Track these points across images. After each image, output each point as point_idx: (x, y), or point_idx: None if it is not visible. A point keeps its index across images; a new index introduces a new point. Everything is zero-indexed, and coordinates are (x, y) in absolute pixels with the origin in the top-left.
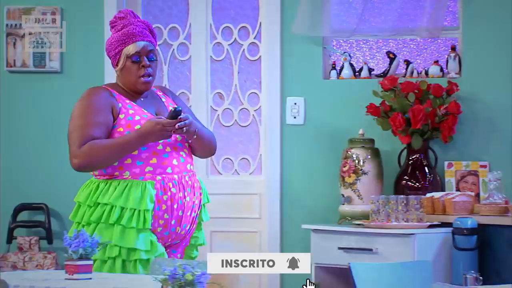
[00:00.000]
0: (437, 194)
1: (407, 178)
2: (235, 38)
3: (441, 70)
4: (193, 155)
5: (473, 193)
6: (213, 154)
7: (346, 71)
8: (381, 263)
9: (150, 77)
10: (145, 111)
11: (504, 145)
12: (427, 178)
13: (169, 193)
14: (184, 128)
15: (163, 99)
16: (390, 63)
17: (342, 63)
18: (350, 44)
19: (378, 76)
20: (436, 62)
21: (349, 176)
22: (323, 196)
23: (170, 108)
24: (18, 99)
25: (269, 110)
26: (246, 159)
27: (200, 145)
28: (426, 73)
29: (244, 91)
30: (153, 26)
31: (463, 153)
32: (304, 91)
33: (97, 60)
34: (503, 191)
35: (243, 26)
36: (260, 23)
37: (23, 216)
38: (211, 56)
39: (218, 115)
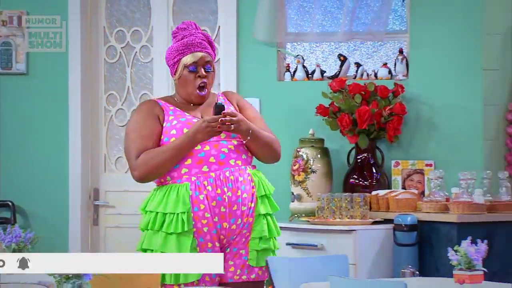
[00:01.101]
0: (381, 192)
1: (355, 176)
2: None
3: (390, 72)
4: (254, 157)
5: (416, 191)
6: (276, 160)
7: (300, 73)
8: (298, 257)
9: (205, 90)
10: (187, 114)
11: (449, 144)
12: (374, 177)
13: (205, 192)
14: (232, 125)
15: (217, 102)
16: (341, 66)
17: (295, 65)
18: (303, 47)
19: (329, 78)
20: (385, 64)
21: (299, 175)
22: (275, 194)
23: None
24: None
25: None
26: None
27: (257, 147)
28: (376, 75)
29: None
30: (116, 30)
31: (410, 152)
32: (259, 92)
33: (61, 61)
34: (445, 189)
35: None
36: (219, 26)
37: None
38: None
39: None
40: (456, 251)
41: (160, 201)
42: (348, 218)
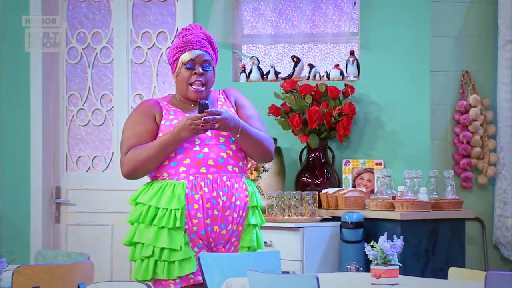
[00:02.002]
0: (331, 190)
1: (307, 175)
2: (154, 43)
3: (342, 73)
4: (249, 159)
5: (365, 189)
6: (270, 159)
7: (255, 74)
8: (230, 253)
9: (202, 87)
10: (187, 115)
11: (398, 144)
12: (325, 175)
13: (200, 192)
14: (216, 123)
15: (220, 103)
16: (294, 67)
17: (250, 66)
18: (259, 49)
19: (283, 79)
20: (337, 66)
21: (252, 173)
22: None
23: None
24: None
25: None
26: None
27: (247, 144)
28: (328, 76)
29: (162, 92)
30: (78, 31)
31: (361, 151)
32: None
33: (23, 62)
34: (392, 187)
35: (161, 31)
36: (177, 28)
37: None
38: (131, 60)
39: None
40: (372, 246)
41: (153, 195)
42: (297, 215)
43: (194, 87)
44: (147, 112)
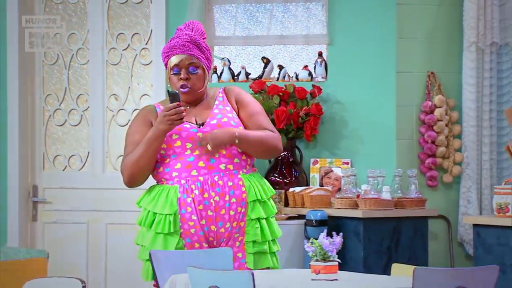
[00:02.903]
0: (297, 189)
1: (276, 174)
2: (129, 44)
3: (310, 74)
4: (247, 156)
5: (330, 188)
6: (277, 154)
7: (226, 75)
8: (183, 250)
9: (188, 88)
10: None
11: (365, 143)
12: (293, 174)
13: (192, 195)
14: (208, 145)
15: (216, 102)
16: (264, 68)
17: (222, 67)
18: (230, 50)
19: (254, 79)
20: (306, 67)
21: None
22: None
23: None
24: None
25: None
26: None
27: (249, 149)
28: (297, 77)
29: (137, 93)
30: (54, 33)
31: (329, 151)
32: None
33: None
34: (357, 186)
35: (136, 33)
36: (151, 30)
37: None
38: (107, 61)
39: (114, 115)
40: (312, 243)
41: (152, 200)
42: None
43: (181, 89)
44: (144, 120)
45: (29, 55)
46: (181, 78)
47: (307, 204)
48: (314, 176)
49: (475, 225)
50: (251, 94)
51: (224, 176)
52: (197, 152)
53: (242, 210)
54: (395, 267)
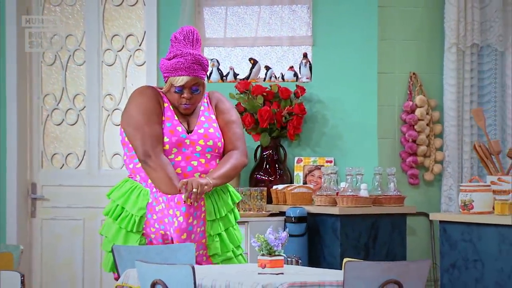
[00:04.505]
0: (280, 187)
1: (261, 172)
2: (123, 46)
3: (296, 75)
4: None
5: (312, 186)
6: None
7: (215, 76)
8: (144, 246)
9: (190, 106)
10: (175, 119)
11: (347, 142)
12: (278, 172)
13: (159, 207)
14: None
15: (202, 108)
16: (251, 69)
17: (211, 68)
18: (219, 51)
19: (241, 80)
20: (291, 67)
21: None
22: None
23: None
24: None
25: None
26: None
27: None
28: (283, 77)
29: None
30: (52, 35)
31: (313, 149)
32: None
33: None
34: (338, 184)
35: (130, 35)
36: (145, 32)
37: None
38: (102, 62)
39: (109, 115)
40: (257, 238)
41: (122, 194)
42: (245, 210)
43: (182, 106)
44: (156, 101)
45: (28, 56)
46: (184, 97)
47: (289, 201)
48: (298, 174)
49: (441, 222)
50: (236, 94)
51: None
52: (179, 158)
53: (202, 229)
54: (346, 261)
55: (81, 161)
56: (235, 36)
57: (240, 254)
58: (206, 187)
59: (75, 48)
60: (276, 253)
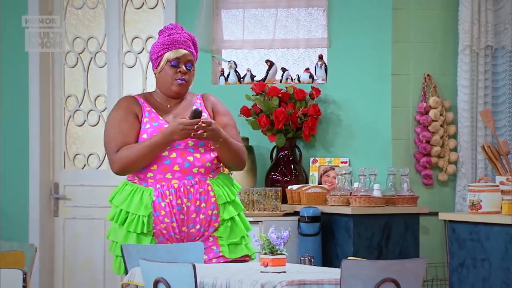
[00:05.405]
0: (295, 187)
1: (276, 172)
2: (144, 48)
3: (311, 76)
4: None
5: (326, 186)
6: (241, 168)
7: (232, 78)
8: (151, 244)
9: (184, 81)
10: (161, 118)
11: (362, 143)
12: (293, 173)
13: (167, 200)
14: (205, 132)
15: (194, 107)
16: (268, 70)
17: (228, 70)
18: (237, 53)
19: (258, 81)
20: (307, 69)
21: (223, 171)
22: None
23: (192, 108)
24: None
25: None
26: None
27: (225, 155)
28: (299, 79)
29: None
30: (75, 37)
31: (328, 150)
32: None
33: (22, 65)
34: (352, 184)
35: (150, 37)
36: None
37: None
38: (123, 64)
39: None
40: (260, 237)
41: (125, 199)
42: (260, 210)
43: (177, 82)
44: (129, 109)
45: (50, 58)
46: (179, 71)
47: (303, 201)
48: (313, 174)
49: (450, 221)
50: (252, 95)
51: (196, 184)
52: (173, 155)
53: (214, 212)
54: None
55: (102, 162)
56: (252, 38)
57: (248, 243)
58: (214, 126)
59: (96, 51)
60: (278, 252)
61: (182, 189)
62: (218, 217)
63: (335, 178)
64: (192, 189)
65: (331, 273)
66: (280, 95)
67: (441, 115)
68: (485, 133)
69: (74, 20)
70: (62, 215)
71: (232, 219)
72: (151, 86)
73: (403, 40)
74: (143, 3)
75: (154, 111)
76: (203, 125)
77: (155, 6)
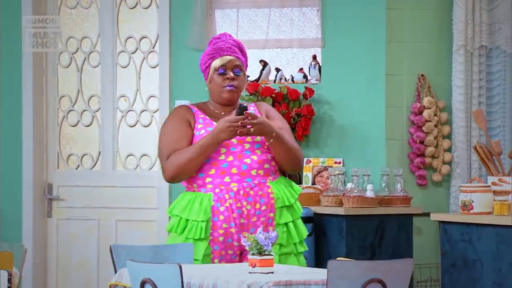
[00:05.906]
0: None
1: None
2: (137, 48)
3: (305, 76)
4: (278, 166)
5: (320, 186)
6: (298, 169)
7: None
8: (141, 245)
9: (234, 87)
10: (215, 123)
11: (356, 143)
12: (286, 173)
13: (226, 204)
14: (251, 128)
15: (239, 103)
16: (262, 70)
17: None
18: None
19: (252, 82)
20: (301, 69)
21: None
22: None
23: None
24: None
25: (161, 112)
26: (147, 155)
27: (280, 151)
28: (293, 79)
29: (145, 94)
30: (68, 37)
31: (322, 150)
32: (190, 95)
33: (15, 64)
34: (345, 184)
35: (144, 37)
36: (158, 34)
37: None
38: (117, 64)
39: (123, 116)
40: (247, 238)
41: (185, 207)
42: None
43: (226, 89)
44: (182, 118)
45: (44, 58)
46: (227, 78)
47: None
48: (307, 175)
49: (442, 222)
50: (246, 95)
51: (255, 186)
52: (230, 158)
53: (271, 215)
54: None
55: (96, 162)
56: (246, 38)
57: (301, 253)
58: (261, 119)
59: (90, 50)
60: (266, 253)
61: (241, 192)
62: (273, 220)
63: (328, 178)
64: (251, 192)
65: (319, 274)
66: (273, 95)
67: (435, 115)
68: (479, 133)
69: (68, 20)
70: (56, 216)
71: (286, 225)
72: (145, 86)
73: (397, 40)
74: (137, 3)
75: (208, 118)
76: (248, 119)
77: (149, 6)
